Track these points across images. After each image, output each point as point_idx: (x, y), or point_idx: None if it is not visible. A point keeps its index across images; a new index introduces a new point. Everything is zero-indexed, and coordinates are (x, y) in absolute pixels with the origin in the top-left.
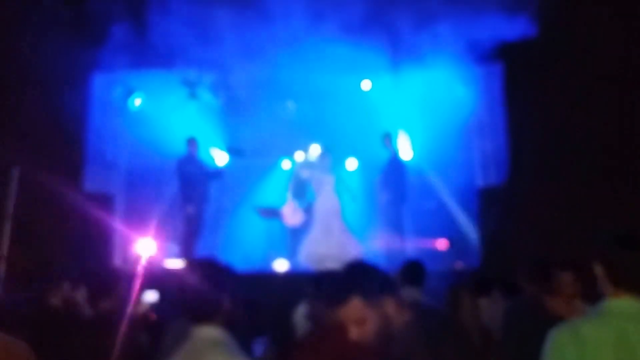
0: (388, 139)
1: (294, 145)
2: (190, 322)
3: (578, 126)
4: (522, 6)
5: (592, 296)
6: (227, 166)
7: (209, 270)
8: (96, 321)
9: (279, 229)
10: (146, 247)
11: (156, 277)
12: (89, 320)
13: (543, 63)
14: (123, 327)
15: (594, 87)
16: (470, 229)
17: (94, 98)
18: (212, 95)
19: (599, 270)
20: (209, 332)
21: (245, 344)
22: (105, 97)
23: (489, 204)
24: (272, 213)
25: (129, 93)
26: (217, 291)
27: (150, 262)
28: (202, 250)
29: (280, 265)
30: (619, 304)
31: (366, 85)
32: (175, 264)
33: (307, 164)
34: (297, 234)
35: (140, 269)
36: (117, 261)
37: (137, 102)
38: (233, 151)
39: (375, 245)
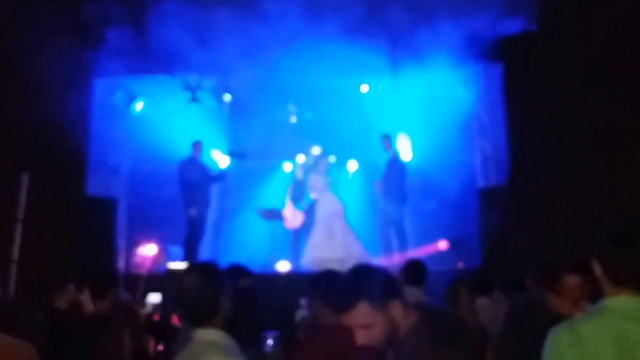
0: (386, 141)
1: (295, 148)
2: (190, 325)
3: (578, 125)
4: (522, 2)
5: (599, 298)
6: (230, 169)
7: (208, 272)
8: (96, 322)
9: (281, 231)
10: (149, 250)
11: (159, 280)
12: (90, 321)
13: (543, 60)
14: (126, 328)
15: (595, 85)
16: (470, 229)
17: (95, 103)
18: (213, 99)
19: (597, 268)
20: (207, 334)
21: (252, 340)
22: (107, 102)
23: (489, 204)
24: (274, 215)
25: (130, 98)
26: (215, 293)
27: (154, 265)
28: (205, 252)
29: (283, 267)
30: (619, 302)
31: (364, 88)
32: (178, 266)
33: (304, 167)
34: (298, 236)
35: (143, 271)
36: (120, 264)
37: (139, 106)
38: (234, 155)
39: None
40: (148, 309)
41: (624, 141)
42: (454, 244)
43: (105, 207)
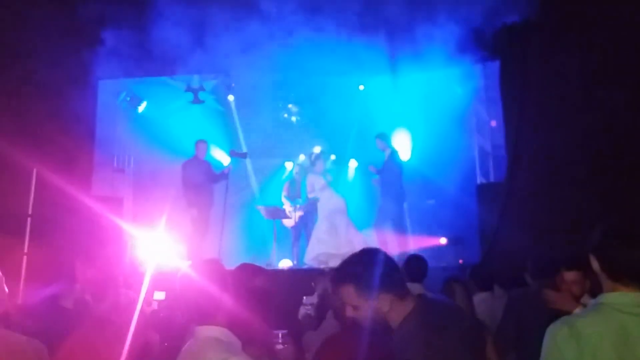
0: (380, 141)
1: (297, 148)
2: (193, 322)
3: (577, 121)
4: None
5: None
6: (233, 168)
7: (210, 271)
8: (98, 322)
9: (284, 229)
10: (155, 248)
11: (164, 278)
12: (95, 319)
13: (541, 55)
14: (131, 326)
15: (594, 81)
16: (470, 226)
17: (100, 105)
18: (215, 99)
19: (595, 264)
20: (210, 332)
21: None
22: (111, 104)
23: (488, 200)
24: (276, 213)
25: (134, 99)
26: (219, 291)
27: (159, 263)
28: (209, 251)
29: (286, 265)
30: (617, 297)
31: (362, 87)
32: (183, 264)
33: (301, 167)
34: (298, 234)
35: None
36: (126, 262)
37: (142, 107)
38: (236, 154)
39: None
40: (153, 306)
41: (624, 137)
42: (453, 240)
43: (111, 206)
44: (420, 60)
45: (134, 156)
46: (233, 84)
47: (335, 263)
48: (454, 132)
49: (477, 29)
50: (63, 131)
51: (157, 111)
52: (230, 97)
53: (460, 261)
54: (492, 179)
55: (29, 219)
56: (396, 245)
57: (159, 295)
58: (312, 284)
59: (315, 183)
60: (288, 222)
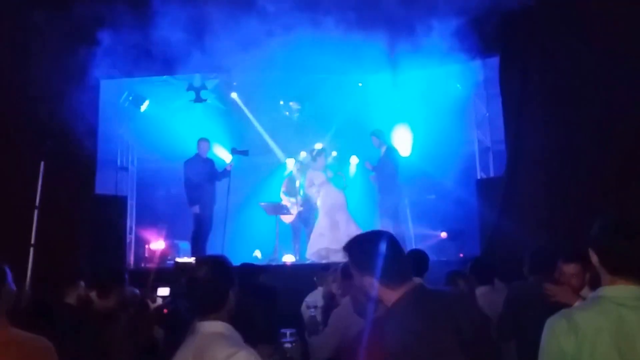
0: (375, 138)
1: (298, 144)
2: (197, 317)
3: (577, 115)
4: None
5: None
6: (235, 166)
7: (217, 266)
8: (103, 318)
9: (286, 225)
10: (158, 246)
11: (168, 274)
12: (98, 317)
13: (541, 50)
14: (135, 322)
15: (593, 74)
16: (470, 220)
17: (102, 104)
18: (216, 98)
19: (594, 258)
20: (214, 326)
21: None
22: (114, 103)
23: (488, 195)
24: (277, 209)
25: (136, 98)
26: (225, 286)
27: (162, 260)
28: (212, 247)
29: (288, 260)
30: (615, 291)
31: (360, 84)
32: (186, 261)
33: (302, 164)
34: (298, 230)
35: (152, 266)
36: (130, 259)
37: (144, 106)
38: (237, 152)
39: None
40: (158, 302)
41: (625, 130)
42: (453, 235)
43: (115, 205)
44: (420, 56)
45: (137, 155)
46: (234, 83)
47: (336, 258)
48: (454, 127)
49: (477, 23)
50: (66, 130)
51: (160, 110)
52: (234, 95)
53: (461, 255)
54: (492, 173)
55: (36, 211)
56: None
57: (163, 292)
58: (315, 278)
59: (314, 178)
60: (287, 219)
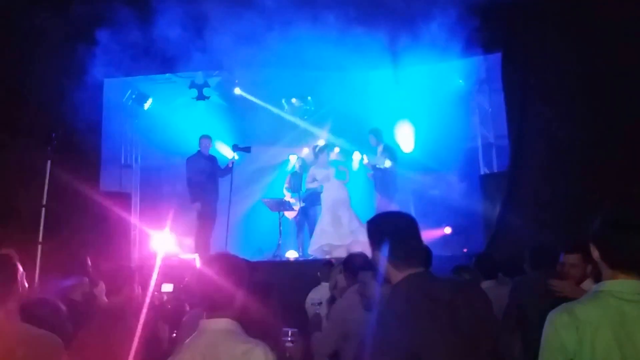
0: (372, 137)
1: (301, 141)
2: (205, 314)
3: (579, 109)
4: None
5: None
6: (237, 162)
7: (227, 264)
8: (110, 314)
9: (289, 221)
10: (162, 242)
11: (172, 270)
12: (107, 312)
13: (542, 44)
14: (141, 319)
15: (595, 68)
16: (474, 215)
17: (106, 103)
18: (219, 95)
19: (595, 252)
20: (222, 324)
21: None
22: (118, 102)
23: (492, 190)
24: (280, 205)
25: (139, 97)
26: (235, 284)
27: (166, 256)
28: (215, 243)
29: (292, 256)
30: (616, 285)
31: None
32: (191, 257)
33: (304, 160)
34: (301, 226)
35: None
36: (135, 255)
37: (148, 105)
38: (239, 149)
39: None
40: (162, 298)
41: (627, 125)
42: (457, 230)
43: (120, 201)
44: (422, 51)
45: (141, 152)
46: (236, 81)
47: (338, 253)
48: (457, 123)
49: (479, 18)
50: (71, 129)
51: (163, 108)
52: (237, 90)
53: (465, 250)
54: (495, 168)
55: (43, 210)
56: None
57: (167, 288)
58: (318, 273)
59: (316, 174)
60: (291, 214)
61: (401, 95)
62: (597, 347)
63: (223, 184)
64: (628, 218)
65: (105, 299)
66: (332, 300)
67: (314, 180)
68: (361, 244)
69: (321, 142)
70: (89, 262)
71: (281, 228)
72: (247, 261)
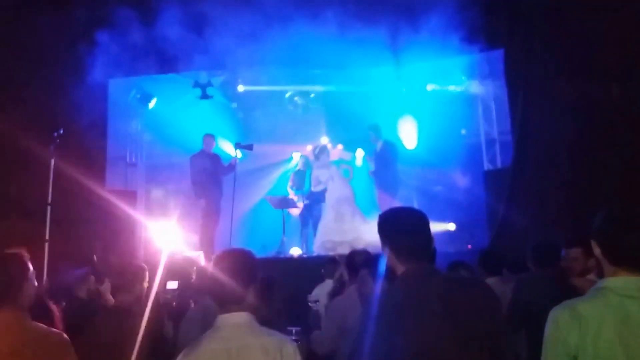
0: (371, 133)
1: (304, 139)
2: (218, 309)
3: (583, 105)
4: None
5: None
6: (241, 160)
7: (240, 258)
8: (119, 310)
9: (293, 218)
10: (167, 239)
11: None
12: (112, 309)
13: (545, 39)
14: (147, 316)
15: (598, 65)
16: (478, 211)
17: (112, 102)
18: (222, 94)
19: (596, 249)
20: (243, 318)
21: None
22: (122, 101)
23: (495, 186)
24: (283, 202)
25: (144, 96)
26: (247, 278)
27: (172, 253)
28: (220, 240)
29: (295, 252)
30: (618, 282)
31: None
32: (195, 254)
33: (305, 159)
34: (305, 223)
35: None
36: (140, 252)
37: (152, 104)
38: (242, 147)
39: None
40: (167, 295)
41: (630, 122)
42: (461, 226)
43: (125, 199)
44: (424, 48)
45: (146, 151)
46: (239, 79)
47: (342, 250)
48: (460, 119)
49: (482, 15)
50: (77, 128)
51: (167, 107)
52: (241, 87)
53: (469, 246)
54: (498, 164)
55: (48, 207)
56: None
57: (172, 285)
58: (322, 270)
59: (320, 176)
60: (295, 211)
61: (404, 91)
62: (600, 344)
63: (226, 181)
64: (629, 215)
65: (110, 296)
66: (333, 293)
67: (319, 183)
68: (364, 240)
69: (324, 140)
70: (95, 258)
71: (285, 225)
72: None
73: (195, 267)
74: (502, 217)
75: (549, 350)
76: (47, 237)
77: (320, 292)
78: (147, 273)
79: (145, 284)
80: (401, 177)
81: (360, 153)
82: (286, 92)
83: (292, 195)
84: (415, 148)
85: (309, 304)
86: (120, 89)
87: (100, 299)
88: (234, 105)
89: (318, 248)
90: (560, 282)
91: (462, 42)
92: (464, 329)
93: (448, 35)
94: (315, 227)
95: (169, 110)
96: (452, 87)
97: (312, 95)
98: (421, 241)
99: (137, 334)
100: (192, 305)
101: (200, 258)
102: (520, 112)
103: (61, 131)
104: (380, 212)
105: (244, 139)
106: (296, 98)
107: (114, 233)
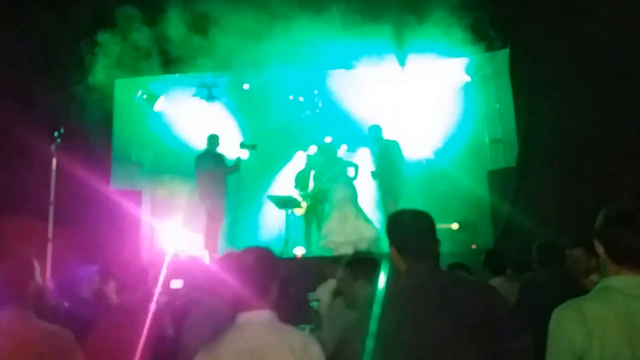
0: (374, 133)
1: (308, 139)
2: (235, 307)
3: (587, 105)
4: None
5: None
6: (244, 159)
7: (261, 255)
8: (123, 310)
9: (296, 218)
10: (172, 239)
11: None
12: (117, 308)
13: (550, 39)
14: (151, 315)
15: (603, 65)
16: (482, 211)
17: (116, 102)
18: (227, 95)
19: (599, 248)
20: (266, 316)
21: None
22: (128, 101)
23: (499, 186)
24: (286, 202)
25: (150, 96)
26: (267, 276)
27: (176, 253)
28: (224, 240)
29: (299, 252)
30: (621, 281)
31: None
32: (199, 254)
33: (309, 158)
34: (309, 222)
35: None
36: (145, 253)
37: (158, 104)
38: (246, 147)
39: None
40: (171, 296)
41: (635, 121)
42: (465, 226)
43: (130, 199)
44: (429, 48)
45: (151, 151)
46: (244, 80)
47: (344, 251)
48: (465, 118)
49: (487, 15)
50: (82, 127)
51: (173, 107)
52: (246, 86)
53: (473, 246)
54: (503, 164)
55: (51, 207)
56: None
57: (176, 284)
58: (325, 270)
59: (324, 173)
60: (298, 211)
61: (409, 90)
62: (607, 343)
63: (230, 181)
64: (632, 214)
65: (114, 297)
66: (337, 292)
67: (322, 179)
68: (367, 240)
69: (328, 140)
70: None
71: (288, 225)
72: None
73: (200, 267)
74: (506, 217)
75: (554, 349)
76: (49, 237)
77: (323, 291)
78: (151, 273)
79: (150, 284)
80: (404, 177)
81: (363, 153)
82: (290, 92)
83: (296, 194)
84: (419, 148)
85: (309, 303)
86: (126, 89)
87: (105, 298)
88: (238, 104)
89: (321, 248)
90: (570, 282)
91: (467, 41)
92: (462, 326)
93: (452, 34)
94: (319, 227)
95: (174, 110)
96: (456, 86)
97: (316, 93)
98: (425, 242)
99: (141, 333)
100: (197, 305)
101: (205, 258)
102: (526, 112)
103: (62, 130)
104: (381, 213)
105: (248, 138)
106: (300, 99)
107: (119, 232)
